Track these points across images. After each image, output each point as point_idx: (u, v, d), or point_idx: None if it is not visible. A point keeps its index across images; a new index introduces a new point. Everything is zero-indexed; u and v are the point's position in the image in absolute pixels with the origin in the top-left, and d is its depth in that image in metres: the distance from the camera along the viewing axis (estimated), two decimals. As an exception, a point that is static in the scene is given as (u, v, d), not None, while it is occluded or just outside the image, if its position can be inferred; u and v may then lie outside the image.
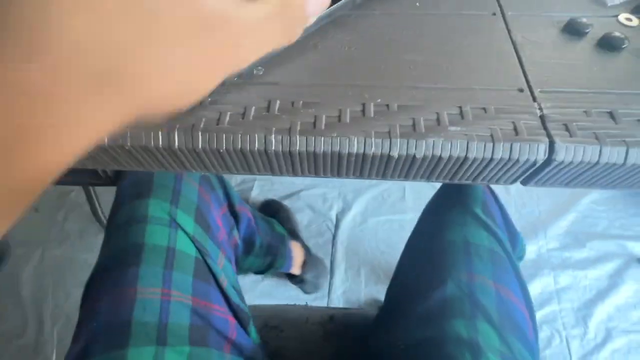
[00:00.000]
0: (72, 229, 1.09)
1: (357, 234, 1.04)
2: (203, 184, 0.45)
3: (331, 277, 0.98)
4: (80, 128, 0.12)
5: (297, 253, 0.84)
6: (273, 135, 0.23)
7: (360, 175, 0.26)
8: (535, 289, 0.94)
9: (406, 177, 0.26)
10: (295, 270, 0.84)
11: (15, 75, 0.10)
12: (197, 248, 0.40)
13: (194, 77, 0.14)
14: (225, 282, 0.41)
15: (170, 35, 0.13)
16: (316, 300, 0.95)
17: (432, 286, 0.38)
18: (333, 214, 1.07)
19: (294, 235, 0.90)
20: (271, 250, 0.66)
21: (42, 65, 0.11)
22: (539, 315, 0.90)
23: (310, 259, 0.88)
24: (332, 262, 0.99)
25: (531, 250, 0.99)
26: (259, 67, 0.27)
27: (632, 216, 1.03)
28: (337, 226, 1.05)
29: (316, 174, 0.26)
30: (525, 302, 0.38)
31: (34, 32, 0.10)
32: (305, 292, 0.91)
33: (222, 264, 0.43)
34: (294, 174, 0.26)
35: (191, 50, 0.13)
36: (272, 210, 0.97)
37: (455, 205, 0.44)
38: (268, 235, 0.64)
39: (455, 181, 0.26)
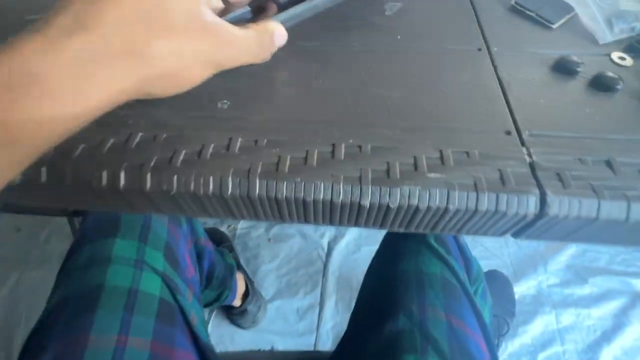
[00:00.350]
0: (53, 251, 1.04)
1: (349, 264, 1.00)
2: (172, 219, 0.43)
3: (320, 310, 0.93)
4: (103, 84, 0.17)
5: (240, 284, 0.81)
6: (230, 178, 0.21)
7: (331, 223, 0.23)
8: (536, 328, 0.88)
9: (382, 227, 0.23)
10: (237, 301, 0.81)
11: (62, 43, 0.16)
12: (167, 285, 0.37)
13: (188, 66, 0.19)
14: (195, 320, 0.38)
15: (177, 32, 0.18)
16: (303, 335, 0.89)
17: (385, 319, 0.37)
18: (325, 242, 1.03)
19: (239, 265, 0.88)
20: (223, 283, 0.64)
21: (86, 39, 0.16)
22: (541, 357, 0.85)
23: (252, 290, 0.85)
24: (322, 294, 0.94)
25: (531, 285, 0.95)
26: (224, 101, 0.25)
27: (635, 251, 0.99)
28: (328, 254, 1.00)
29: (282, 219, 0.23)
30: (482, 333, 0.37)
31: (82, 15, 0.16)
32: (243, 326, 0.85)
33: (191, 301, 0.40)
34: (257, 218, 0.24)
35: (190, 45, 0.18)
36: (217, 238, 0.94)
37: (410, 234, 0.43)
38: (222, 268, 0.62)
39: (437, 232, 0.23)
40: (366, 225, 0.23)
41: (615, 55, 0.28)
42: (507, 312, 0.86)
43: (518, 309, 0.89)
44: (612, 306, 0.91)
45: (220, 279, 0.61)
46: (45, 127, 0.16)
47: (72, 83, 0.16)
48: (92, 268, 0.36)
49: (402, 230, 0.23)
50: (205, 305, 0.72)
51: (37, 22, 0.16)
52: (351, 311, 0.45)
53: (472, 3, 0.33)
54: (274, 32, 0.21)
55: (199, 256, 0.49)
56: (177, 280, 0.39)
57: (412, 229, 0.23)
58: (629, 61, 0.28)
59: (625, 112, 0.25)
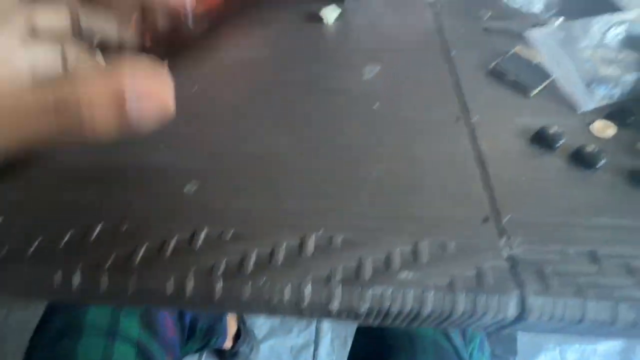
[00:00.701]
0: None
1: (345, 298, 0.97)
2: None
3: (315, 349, 0.90)
4: None
5: (232, 324, 0.78)
6: (190, 279, 0.20)
7: (299, 316, 0.22)
8: (540, 366, 0.85)
9: (355, 320, 0.21)
10: (228, 343, 0.78)
11: None
12: (142, 354, 0.36)
13: None
14: None
15: None
16: (298, 376, 0.86)
17: None
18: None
19: None
20: (209, 332, 0.62)
21: None
22: (545, 398, 0.81)
23: (244, 330, 0.82)
24: (317, 332, 0.91)
25: (532, 319, 0.92)
26: (193, 181, 0.24)
27: None
28: (323, 289, 0.98)
29: (249, 313, 0.22)
30: None
31: None
32: None
33: None
34: (229, 312, 0.22)
35: None
36: None
37: None
38: (206, 318, 0.60)
39: (413, 327, 0.22)
40: (337, 320, 0.21)
41: (597, 125, 0.27)
42: (509, 351, 0.83)
43: (521, 346, 0.86)
44: (618, 342, 0.88)
45: (205, 330, 0.59)
46: None
47: None
48: (63, 341, 0.34)
49: (375, 324, 0.22)
50: (195, 351, 0.69)
51: None
52: (347, 351, 0.43)
53: (450, 65, 0.33)
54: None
55: (180, 311, 0.47)
56: (153, 347, 0.37)
57: (387, 324, 0.21)
58: (611, 131, 0.27)
59: (608, 191, 0.24)
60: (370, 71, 0.33)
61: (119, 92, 0.12)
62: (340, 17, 0.39)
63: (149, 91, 0.12)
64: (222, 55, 0.34)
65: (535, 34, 0.32)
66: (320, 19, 0.38)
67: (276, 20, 0.39)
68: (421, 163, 0.25)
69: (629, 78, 0.30)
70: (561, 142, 0.26)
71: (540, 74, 0.31)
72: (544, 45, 0.32)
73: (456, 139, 0.27)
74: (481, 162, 0.25)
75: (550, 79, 0.31)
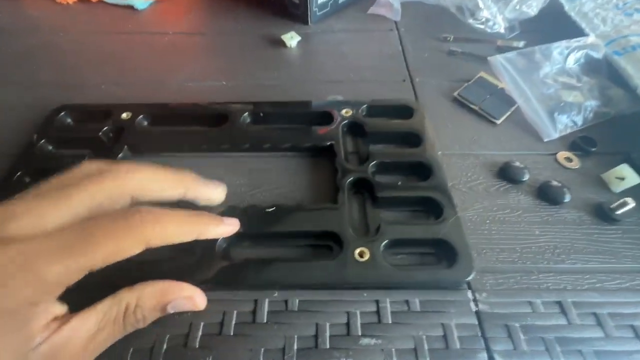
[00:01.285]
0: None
1: None
2: None
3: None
4: None
5: None
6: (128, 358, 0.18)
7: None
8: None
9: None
10: None
11: None
12: None
13: None
14: None
15: None
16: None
17: None
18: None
19: None
20: None
21: None
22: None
23: None
24: None
25: None
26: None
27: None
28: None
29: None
30: None
31: None
32: None
33: None
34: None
35: None
36: None
37: None
38: None
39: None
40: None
41: (562, 156, 0.27)
42: None
43: None
44: None
45: None
46: None
47: None
48: None
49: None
50: None
51: None
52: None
53: (415, 93, 0.32)
54: (161, 307, 0.17)
55: None
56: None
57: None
58: (575, 162, 0.27)
59: (575, 229, 0.23)
60: (334, 98, 0.31)
61: (165, 305, 0.17)
62: (301, 42, 0.37)
63: (187, 304, 0.18)
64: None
65: (497, 60, 0.32)
66: (283, 43, 0.37)
67: (240, 44, 0.37)
68: (385, 205, 0.24)
69: (591, 104, 0.29)
70: (526, 177, 0.25)
71: (505, 101, 0.30)
72: (506, 71, 0.31)
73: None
74: (450, 202, 0.24)
75: (515, 106, 0.30)
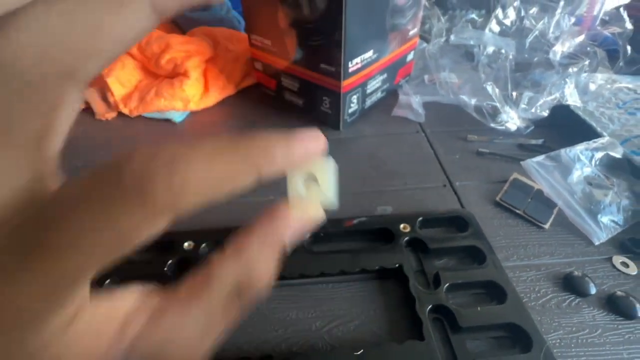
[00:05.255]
0: None
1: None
2: None
3: None
4: None
5: None
6: None
7: None
8: None
9: None
10: None
11: None
12: None
13: None
14: None
15: None
16: None
17: None
18: None
19: None
20: None
21: None
22: None
23: None
24: None
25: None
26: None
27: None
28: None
29: None
30: None
31: None
32: None
33: None
34: None
35: None
36: None
37: None
38: None
39: None
40: None
41: (617, 261, 0.28)
42: None
43: None
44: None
45: None
46: None
47: None
48: None
49: None
50: None
51: None
52: None
53: (458, 198, 0.34)
54: (275, 253, 0.13)
55: None
56: None
57: None
58: (632, 267, 0.28)
59: (658, 345, 0.23)
60: (384, 211, 0.33)
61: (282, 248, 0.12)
62: (337, 149, 0.40)
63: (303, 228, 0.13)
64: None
65: (529, 165, 0.34)
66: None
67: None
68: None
69: (625, 203, 0.32)
70: (593, 290, 0.26)
71: (546, 203, 0.32)
72: (540, 175, 0.34)
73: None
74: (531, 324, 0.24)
75: (556, 208, 0.32)
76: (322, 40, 0.37)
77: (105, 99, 0.47)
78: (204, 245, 0.29)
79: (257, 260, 0.12)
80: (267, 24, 0.41)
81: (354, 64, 0.38)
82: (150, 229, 0.09)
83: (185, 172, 0.09)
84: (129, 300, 0.12)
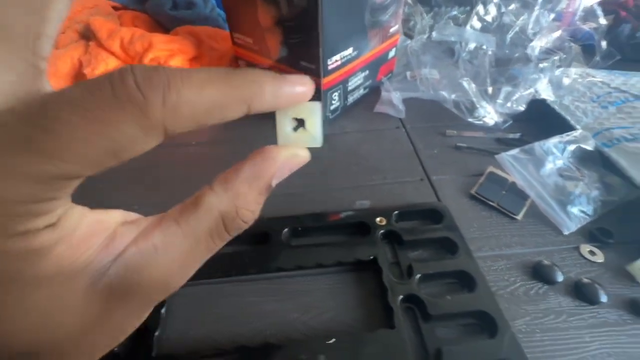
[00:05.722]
0: None
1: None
2: None
3: None
4: None
5: None
6: None
7: None
8: None
9: None
10: None
11: None
12: None
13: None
14: None
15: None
16: None
17: None
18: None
19: None
20: None
21: None
22: None
23: None
24: None
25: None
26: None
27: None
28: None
29: None
30: None
31: None
32: None
33: None
34: None
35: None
36: None
37: None
38: None
39: None
40: None
41: (585, 250, 0.29)
42: None
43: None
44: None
45: None
46: None
47: None
48: None
49: None
50: None
51: None
52: None
53: (435, 192, 0.35)
54: (267, 185, 0.13)
55: None
56: None
57: None
58: (599, 256, 0.29)
59: (620, 332, 0.24)
60: (362, 205, 0.33)
61: (268, 185, 0.13)
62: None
63: (291, 166, 0.13)
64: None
65: (504, 158, 0.35)
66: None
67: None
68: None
69: (596, 194, 0.33)
70: (560, 277, 0.27)
71: (519, 195, 0.33)
72: (514, 168, 0.35)
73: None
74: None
75: (529, 200, 0.33)
76: (301, 37, 0.37)
77: (88, 98, 0.47)
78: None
79: (245, 195, 0.13)
80: (248, 22, 0.42)
81: (334, 61, 0.39)
82: (142, 143, 0.10)
83: (179, 93, 0.10)
84: (117, 216, 0.12)
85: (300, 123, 0.13)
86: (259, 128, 0.33)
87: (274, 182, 0.13)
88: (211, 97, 0.10)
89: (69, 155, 0.09)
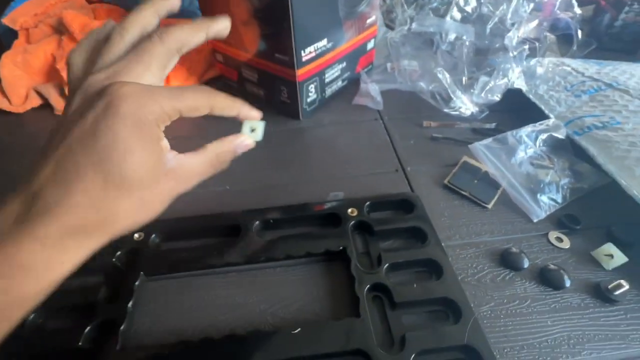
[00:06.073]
0: None
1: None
2: None
3: None
4: (74, 255, 0.18)
5: None
6: None
7: None
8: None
9: None
10: None
11: (35, 224, 0.17)
12: None
13: (152, 208, 0.20)
14: None
15: (143, 188, 0.19)
16: None
17: None
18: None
19: None
20: None
21: (55, 219, 0.17)
22: None
23: None
24: None
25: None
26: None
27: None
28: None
29: None
30: None
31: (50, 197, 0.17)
32: None
33: None
34: None
35: (155, 194, 0.19)
36: None
37: None
38: None
39: None
40: None
41: (553, 236, 0.30)
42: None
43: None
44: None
45: None
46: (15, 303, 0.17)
47: (45, 259, 0.17)
48: None
49: None
50: None
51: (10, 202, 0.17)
52: None
53: (409, 182, 0.35)
54: (234, 149, 0.23)
55: None
56: None
57: None
58: (566, 242, 0.29)
59: (582, 315, 0.24)
60: (336, 196, 0.33)
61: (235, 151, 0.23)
62: (296, 138, 0.40)
63: (243, 144, 0.23)
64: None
65: (477, 148, 0.35)
66: (280, 141, 0.39)
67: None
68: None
69: (565, 182, 0.33)
70: (526, 264, 0.27)
71: (491, 184, 0.34)
72: (486, 157, 0.35)
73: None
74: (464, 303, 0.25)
75: (501, 189, 0.33)
76: (273, 29, 0.37)
77: (63, 93, 0.47)
78: (153, 235, 0.29)
79: (222, 149, 0.22)
80: (222, 14, 0.41)
81: (308, 53, 0.38)
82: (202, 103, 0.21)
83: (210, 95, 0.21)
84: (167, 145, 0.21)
85: (252, 129, 0.23)
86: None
87: (237, 151, 0.23)
88: (193, 106, 0.20)
89: (185, 103, 0.20)
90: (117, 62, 0.20)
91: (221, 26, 0.23)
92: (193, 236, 0.30)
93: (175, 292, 0.27)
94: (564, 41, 0.51)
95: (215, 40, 0.46)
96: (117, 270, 0.27)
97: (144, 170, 0.18)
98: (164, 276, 0.27)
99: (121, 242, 0.28)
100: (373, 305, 0.25)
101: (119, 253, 0.28)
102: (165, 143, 0.19)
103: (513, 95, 0.43)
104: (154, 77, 0.21)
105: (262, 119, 0.23)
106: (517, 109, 0.42)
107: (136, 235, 0.29)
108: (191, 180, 0.21)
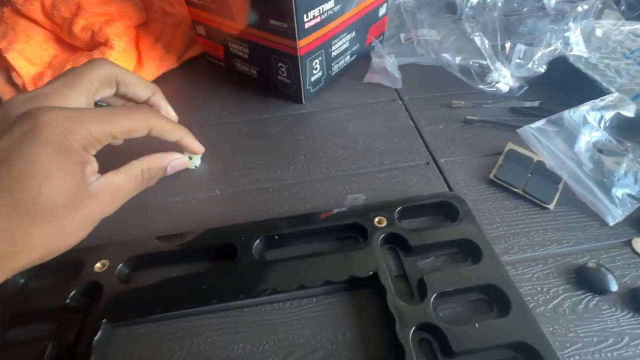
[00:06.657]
0: None
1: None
2: None
3: None
4: None
5: None
6: None
7: None
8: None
9: None
10: None
11: None
12: None
13: (72, 234, 0.18)
14: None
15: (61, 215, 0.17)
16: None
17: None
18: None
19: None
20: None
21: None
22: None
23: None
24: None
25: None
26: None
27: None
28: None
29: None
30: None
31: None
32: None
33: None
34: None
35: (75, 219, 0.18)
36: None
37: None
38: None
39: None
40: None
41: (638, 245, 0.23)
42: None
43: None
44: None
45: None
46: None
47: None
48: None
49: None
50: None
51: None
52: None
53: (444, 179, 0.28)
54: (164, 167, 0.23)
55: None
56: None
57: None
58: (656, 252, 0.23)
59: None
60: (355, 200, 0.27)
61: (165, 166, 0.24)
62: (299, 126, 0.33)
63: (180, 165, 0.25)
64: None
65: (527, 132, 0.28)
66: (280, 132, 0.32)
67: (230, 137, 0.32)
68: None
69: (642, 172, 0.26)
70: (614, 287, 0.21)
71: (549, 177, 0.27)
72: (540, 143, 0.28)
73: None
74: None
75: (562, 183, 0.27)
76: (267, -13, 0.29)
77: (10, 80, 0.38)
78: (120, 265, 0.22)
79: (148, 166, 0.22)
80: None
81: (311, 18, 0.30)
82: (140, 132, 0.21)
83: (161, 119, 0.23)
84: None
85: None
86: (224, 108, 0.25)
87: (169, 170, 0.24)
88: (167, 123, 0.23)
89: (119, 126, 0.20)
90: (47, 84, 0.20)
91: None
92: (173, 262, 0.23)
93: (152, 342, 0.20)
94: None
95: (194, 8, 0.38)
96: (71, 315, 0.20)
97: (63, 198, 0.17)
98: (136, 321, 0.20)
99: (76, 276, 0.21)
100: (421, 353, 0.19)
101: (73, 292, 0.21)
102: (91, 167, 0.19)
103: (556, 66, 0.35)
104: (84, 99, 0.20)
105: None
106: (561, 83, 0.35)
107: (98, 265, 0.22)
108: (115, 201, 0.20)
